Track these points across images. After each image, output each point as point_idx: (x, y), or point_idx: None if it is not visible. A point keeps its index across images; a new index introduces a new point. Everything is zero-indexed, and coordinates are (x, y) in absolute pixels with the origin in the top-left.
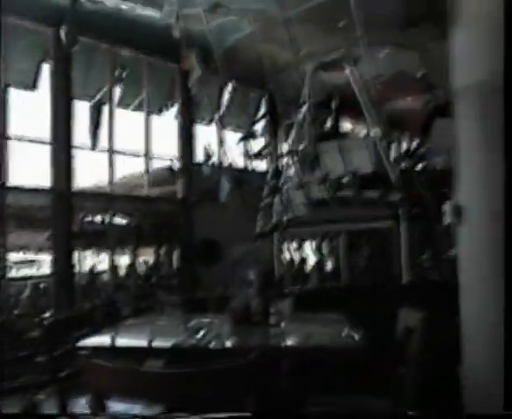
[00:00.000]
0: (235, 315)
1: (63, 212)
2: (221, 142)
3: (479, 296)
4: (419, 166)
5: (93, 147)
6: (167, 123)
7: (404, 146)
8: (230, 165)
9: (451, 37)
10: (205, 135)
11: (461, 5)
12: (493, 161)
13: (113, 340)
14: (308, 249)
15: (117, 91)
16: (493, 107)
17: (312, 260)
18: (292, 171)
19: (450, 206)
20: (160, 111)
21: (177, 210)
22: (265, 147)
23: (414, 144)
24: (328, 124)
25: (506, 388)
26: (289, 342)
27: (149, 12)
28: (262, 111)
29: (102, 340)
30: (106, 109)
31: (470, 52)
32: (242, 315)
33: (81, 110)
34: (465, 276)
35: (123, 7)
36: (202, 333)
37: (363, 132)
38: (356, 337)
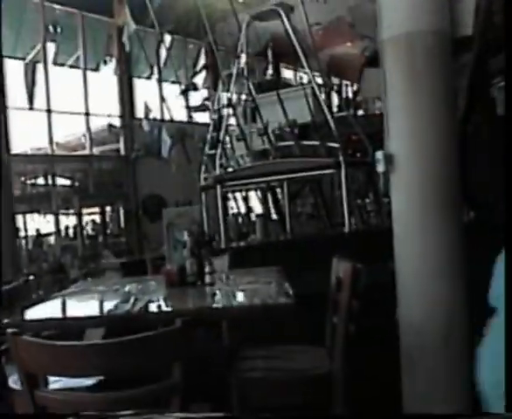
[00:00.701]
0: (169, 277)
1: (2, 176)
2: (161, 96)
3: (410, 243)
4: (359, 112)
5: (30, 107)
6: (105, 79)
7: (344, 93)
8: (170, 119)
9: None
10: (145, 90)
11: None
12: (420, 110)
13: (49, 311)
14: (250, 201)
15: (52, 48)
16: (419, 58)
17: (254, 212)
18: (233, 122)
19: (381, 154)
20: (97, 67)
21: (120, 168)
22: (205, 98)
23: (353, 90)
24: (267, 74)
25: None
26: (223, 302)
27: None
28: (201, 62)
29: (39, 311)
30: (40, 67)
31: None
32: (176, 277)
33: (14, 69)
34: (396, 223)
35: None
36: (136, 298)
37: (302, 80)
38: (291, 292)
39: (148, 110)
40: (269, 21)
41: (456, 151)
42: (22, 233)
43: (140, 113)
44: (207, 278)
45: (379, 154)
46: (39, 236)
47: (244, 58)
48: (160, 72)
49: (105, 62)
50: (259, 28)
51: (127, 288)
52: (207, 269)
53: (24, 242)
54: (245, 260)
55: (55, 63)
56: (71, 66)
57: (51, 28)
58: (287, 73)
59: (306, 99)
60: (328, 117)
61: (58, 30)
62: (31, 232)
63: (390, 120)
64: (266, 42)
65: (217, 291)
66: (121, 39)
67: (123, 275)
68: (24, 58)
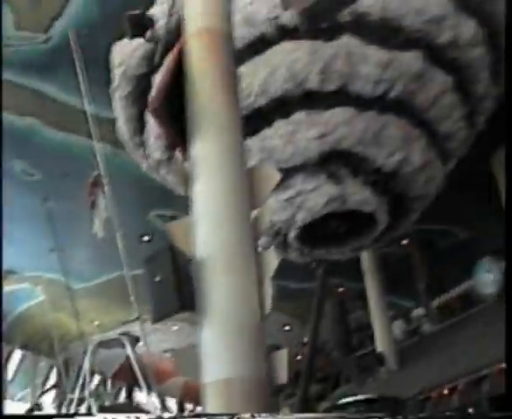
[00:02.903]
0: None
1: None
2: None
3: None
4: None
5: None
6: None
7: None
8: None
9: (201, 333)
10: None
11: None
12: None
13: None
14: None
15: None
16: (239, 401)
17: None
18: None
19: None
20: None
21: None
22: None
23: None
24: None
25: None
26: None
27: None
28: (51, 381)
29: None
30: None
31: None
32: None
33: None
34: None
35: None
36: None
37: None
38: None
39: None
40: (114, 348)
41: None
42: None
43: None
44: None
45: None
46: None
47: (87, 384)
48: (4, 390)
49: None
50: (105, 355)
51: None
52: None
53: None
54: None
55: None
56: None
57: None
58: (140, 395)
59: None
60: None
61: None
62: None
63: None
64: (112, 369)
65: None
66: None
67: None
68: None
